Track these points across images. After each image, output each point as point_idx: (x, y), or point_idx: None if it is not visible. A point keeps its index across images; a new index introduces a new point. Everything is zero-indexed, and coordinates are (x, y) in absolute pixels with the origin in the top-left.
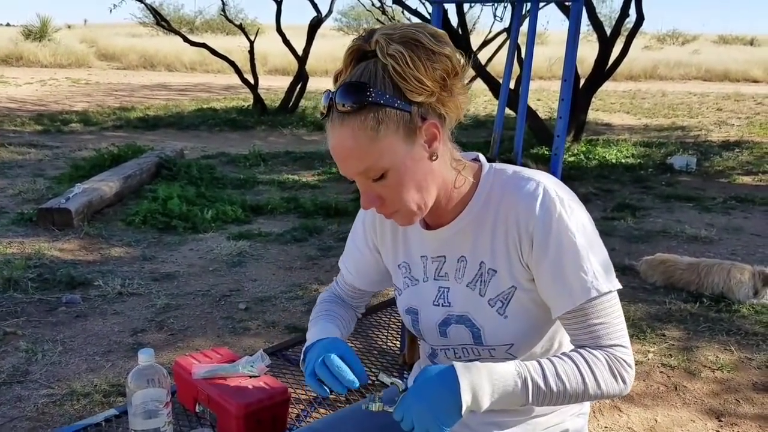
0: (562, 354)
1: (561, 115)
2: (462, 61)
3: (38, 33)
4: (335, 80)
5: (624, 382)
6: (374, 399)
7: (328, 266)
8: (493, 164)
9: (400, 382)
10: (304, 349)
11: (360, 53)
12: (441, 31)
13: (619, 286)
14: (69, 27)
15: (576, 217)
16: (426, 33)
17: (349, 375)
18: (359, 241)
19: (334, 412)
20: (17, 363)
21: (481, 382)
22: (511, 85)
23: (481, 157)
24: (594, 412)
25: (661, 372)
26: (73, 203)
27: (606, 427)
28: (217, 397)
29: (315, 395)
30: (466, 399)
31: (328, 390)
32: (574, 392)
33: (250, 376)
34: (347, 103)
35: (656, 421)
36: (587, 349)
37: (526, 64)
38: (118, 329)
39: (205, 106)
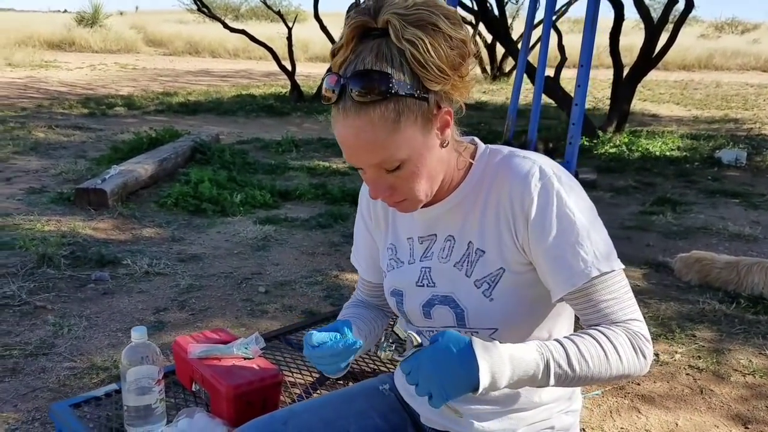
0: (579, 332)
1: (577, 101)
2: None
3: (90, 19)
4: (334, 55)
5: (644, 356)
6: (384, 347)
7: (350, 253)
8: (489, 146)
9: (416, 336)
10: None
11: (363, 30)
12: (452, 8)
13: (622, 266)
14: (121, 13)
15: (575, 195)
16: (442, 15)
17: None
18: (362, 232)
19: (314, 398)
20: (44, 336)
21: (502, 367)
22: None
23: (477, 139)
24: (611, 413)
25: (688, 374)
26: (108, 184)
27: (622, 428)
28: (209, 377)
29: (312, 380)
30: (483, 383)
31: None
32: (598, 371)
33: (245, 358)
34: (367, 92)
35: (677, 424)
36: (604, 326)
37: (542, 51)
38: (142, 307)
39: (244, 92)
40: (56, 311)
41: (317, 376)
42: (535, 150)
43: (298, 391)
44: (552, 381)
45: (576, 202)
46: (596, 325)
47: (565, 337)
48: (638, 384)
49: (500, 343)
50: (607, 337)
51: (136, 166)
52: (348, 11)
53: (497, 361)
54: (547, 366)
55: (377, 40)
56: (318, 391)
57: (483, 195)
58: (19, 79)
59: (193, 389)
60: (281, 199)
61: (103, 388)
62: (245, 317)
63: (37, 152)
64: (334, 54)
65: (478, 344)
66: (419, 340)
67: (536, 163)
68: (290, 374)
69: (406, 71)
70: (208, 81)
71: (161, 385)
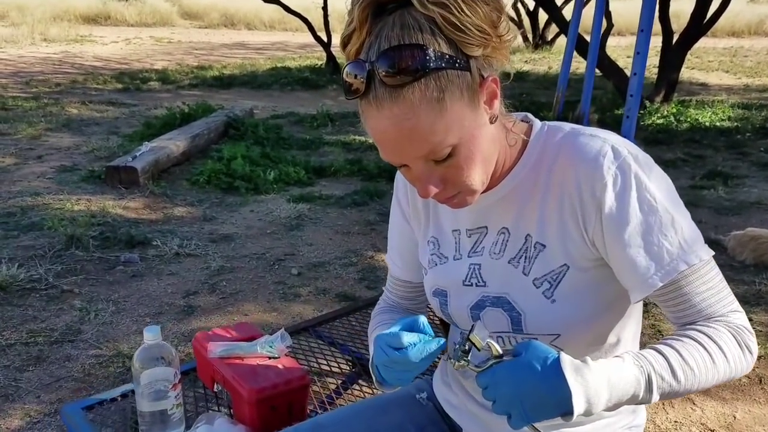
0: (676, 335)
1: (636, 71)
2: None
3: None
4: (346, 44)
5: (751, 352)
6: (459, 355)
7: (386, 232)
8: (547, 122)
9: (496, 345)
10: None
11: (376, 6)
12: None
13: (712, 252)
14: None
15: (655, 176)
16: None
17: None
18: (398, 222)
19: (343, 407)
20: (71, 321)
21: (599, 391)
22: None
23: (531, 116)
24: (663, 405)
25: None
26: (139, 162)
27: (676, 421)
28: (230, 380)
29: (343, 379)
30: (578, 410)
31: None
32: (705, 378)
33: (270, 357)
34: (401, 72)
35: (735, 417)
36: (701, 323)
37: (595, 19)
38: (171, 290)
39: (279, 65)
40: (83, 295)
41: (348, 374)
42: (588, 123)
43: (327, 392)
44: (655, 397)
45: (657, 185)
46: (692, 323)
47: (662, 343)
48: None
49: (591, 360)
50: (709, 337)
51: (168, 143)
52: None
53: (593, 385)
54: (648, 381)
55: (395, 13)
56: (348, 391)
57: (542, 180)
58: (55, 54)
59: (215, 390)
60: (316, 176)
61: (119, 389)
62: (277, 301)
63: (69, 129)
64: (345, 42)
65: (567, 364)
66: (500, 350)
67: (607, 141)
68: (318, 370)
69: (440, 39)
70: (243, 54)
71: (178, 389)
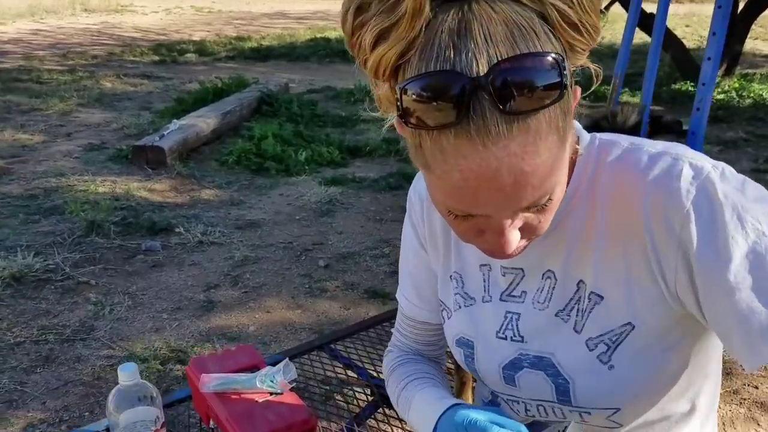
0: None
1: (710, 55)
2: None
3: None
4: (377, 41)
5: None
6: None
7: None
8: (598, 134)
9: None
10: None
11: None
12: None
13: None
14: None
15: (752, 192)
16: None
17: None
18: (413, 249)
19: None
20: (84, 317)
21: None
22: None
23: (577, 124)
24: (724, 425)
25: None
26: (167, 141)
27: None
28: (224, 421)
29: (357, 412)
30: None
31: None
32: None
33: (271, 393)
34: (532, 93)
35: None
36: None
37: None
38: (192, 283)
39: (318, 36)
40: (100, 287)
41: (364, 406)
42: (650, 115)
43: (339, 427)
44: None
45: (758, 201)
46: None
47: None
48: (756, 387)
49: None
50: None
51: (197, 120)
52: None
53: None
54: None
55: (468, 4)
56: (362, 426)
57: (597, 211)
58: (94, 25)
59: (211, 426)
60: (350, 156)
61: (104, 421)
62: (302, 297)
63: (101, 104)
64: (377, 39)
65: None
66: None
67: (680, 157)
68: (331, 398)
69: (556, 43)
70: (284, 24)
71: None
